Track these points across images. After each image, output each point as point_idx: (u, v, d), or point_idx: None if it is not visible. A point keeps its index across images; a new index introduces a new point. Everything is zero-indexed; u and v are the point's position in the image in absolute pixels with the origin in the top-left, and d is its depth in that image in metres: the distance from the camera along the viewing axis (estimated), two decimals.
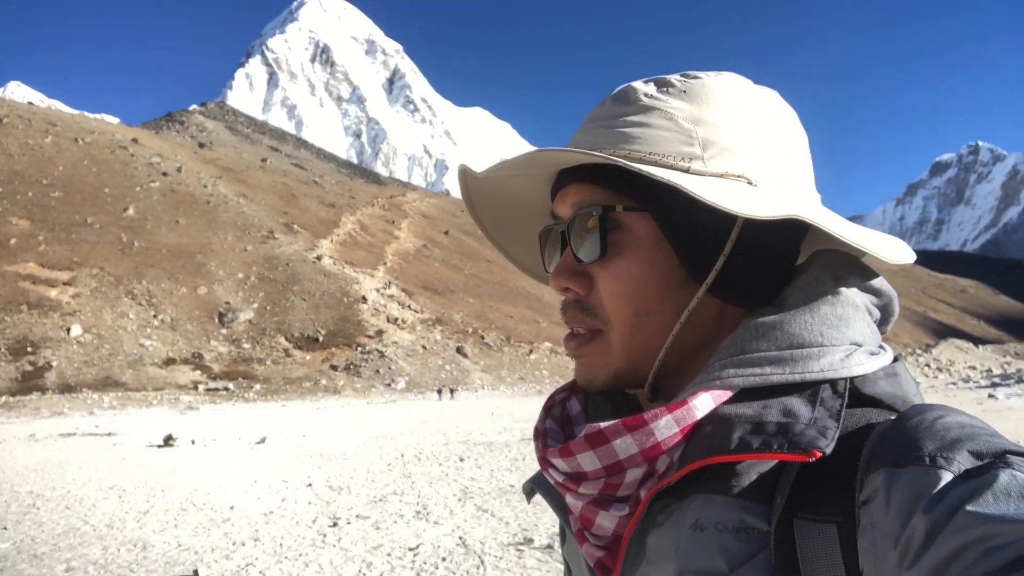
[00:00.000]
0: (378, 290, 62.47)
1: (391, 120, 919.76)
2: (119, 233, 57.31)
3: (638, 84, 0.69)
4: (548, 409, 0.76)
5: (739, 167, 0.65)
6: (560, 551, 0.86)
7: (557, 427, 0.74)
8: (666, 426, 0.61)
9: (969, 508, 0.46)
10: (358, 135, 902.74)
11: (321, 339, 50.02)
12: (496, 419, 21.21)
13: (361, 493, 8.71)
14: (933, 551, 0.46)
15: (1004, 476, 0.47)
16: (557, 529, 0.85)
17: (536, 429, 0.73)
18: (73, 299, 45.83)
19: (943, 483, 0.49)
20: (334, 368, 47.05)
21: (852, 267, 0.68)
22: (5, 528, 7.17)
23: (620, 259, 0.66)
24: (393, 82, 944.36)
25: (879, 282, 0.68)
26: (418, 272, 73.55)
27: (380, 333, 52.39)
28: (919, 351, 62.89)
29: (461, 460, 11.62)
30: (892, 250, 0.66)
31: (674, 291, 0.66)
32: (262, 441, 15.59)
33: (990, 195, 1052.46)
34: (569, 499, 0.67)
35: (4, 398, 33.51)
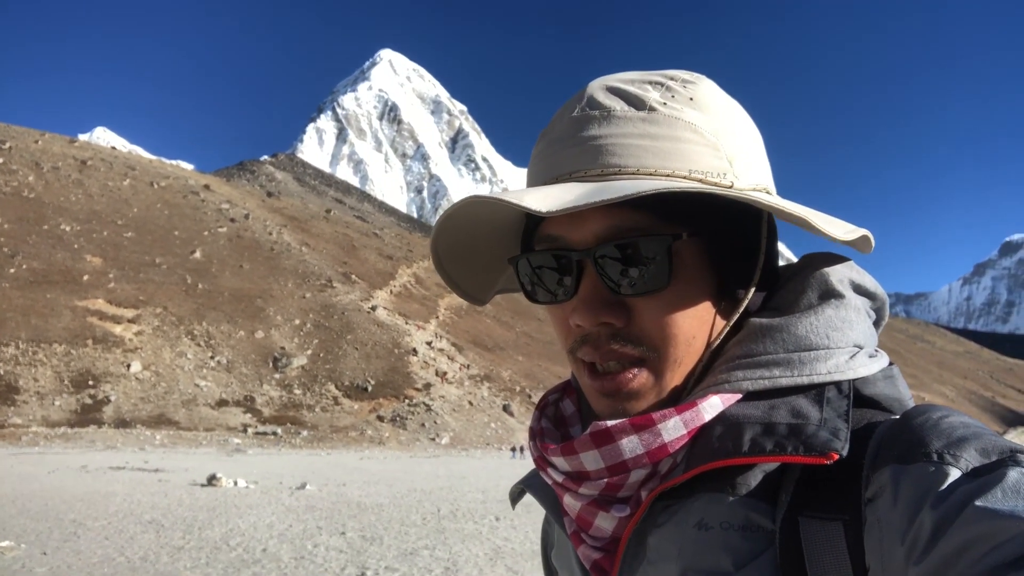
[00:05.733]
0: (428, 343, 62.83)
1: (452, 177, 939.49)
2: (184, 275, 59.27)
3: (636, 88, 0.65)
4: (542, 409, 0.75)
5: (759, 177, 0.65)
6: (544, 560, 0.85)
7: (552, 427, 0.73)
8: (674, 427, 0.60)
9: (978, 503, 0.46)
10: (419, 191, 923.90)
11: (370, 389, 50.35)
12: None
13: (393, 545, 8.65)
14: (941, 546, 0.46)
15: (1013, 474, 0.47)
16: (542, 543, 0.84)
17: (531, 429, 0.72)
18: (136, 336, 47.31)
19: (951, 479, 0.49)
20: (380, 419, 47.20)
21: (847, 270, 0.68)
22: (44, 554, 7.33)
23: (671, 287, 0.62)
24: (456, 141, 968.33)
25: (873, 285, 0.68)
26: (469, 327, 73.80)
27: (428, 386, 52.49)
28: None
29: (497, 519, 11.45)
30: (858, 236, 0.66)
31: (713, 309, 0.66)
32: (302, 487, 15.66)
33: None
34: (567, 500, 0.66)
35: (63, 429, 34.48)
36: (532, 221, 0.69)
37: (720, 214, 0.64)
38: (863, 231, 0.66)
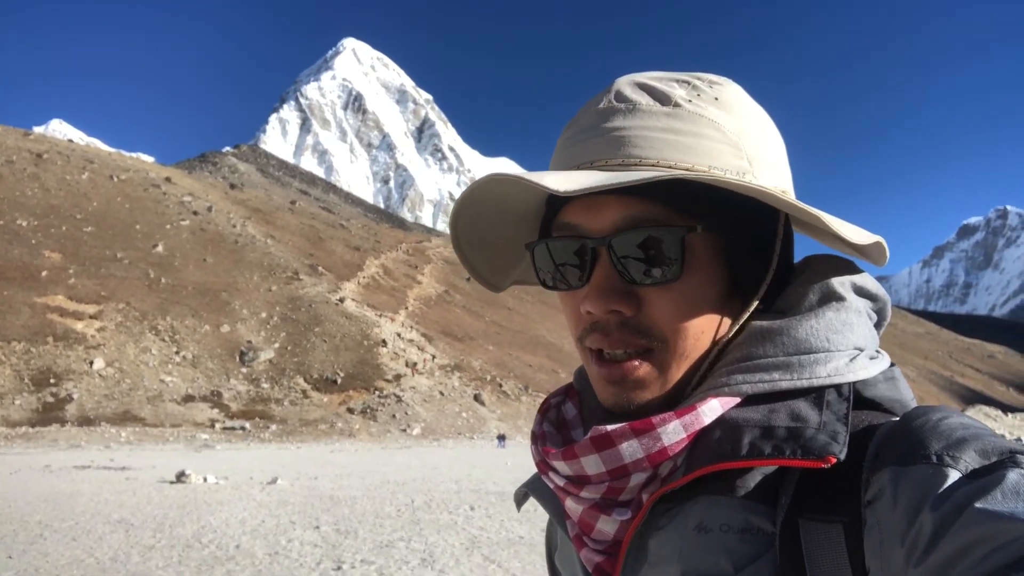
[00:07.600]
0: (398, 334, 62.53)
1: (418, 167, 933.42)
2: (147, 269, 58.20)
3: (662, 85, 0.66)
4: (544, 412, 0.75)
5: (778, 180, 0.66)
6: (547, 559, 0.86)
7: (554, 430, 0.73)
8: (674, 431, 0.60)
9: (978, 505, 0.46)
10: (386, 181, 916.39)
11: (339, 381, 49.96)
12: (511, 469, 20.93)
13: (368, 538, 8.62)
14: (941, 548, 0.46)
15: (1013, 475, 0.47)
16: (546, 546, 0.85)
17: (533, 432, 0.73)
18: (98, 332, 46.37)
19: (950, 481, 0.49)
20: (351, 411, 46.88)
21: (850, 272, 0.68)
22: (10, 557, 7.16)
23: (683, 280, 0.63)
24: (422, 131, 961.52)
25: (875, 287, 0.69)
26: (439, 318, 73.58)
27: (398, 377, 52.25)
28: None
29: (471, 509, 11.47)
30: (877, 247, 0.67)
31: (723, 306, 0.66)
32: (273, 481, 15.51)
33: (1019, 260, 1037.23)
34: (569, 503, 0.67)
35: (24, 428, 33.70)
36: (551, 208, 0.70)
37: (736, 212, 0.64)
38: (877, 237, 0.65)
